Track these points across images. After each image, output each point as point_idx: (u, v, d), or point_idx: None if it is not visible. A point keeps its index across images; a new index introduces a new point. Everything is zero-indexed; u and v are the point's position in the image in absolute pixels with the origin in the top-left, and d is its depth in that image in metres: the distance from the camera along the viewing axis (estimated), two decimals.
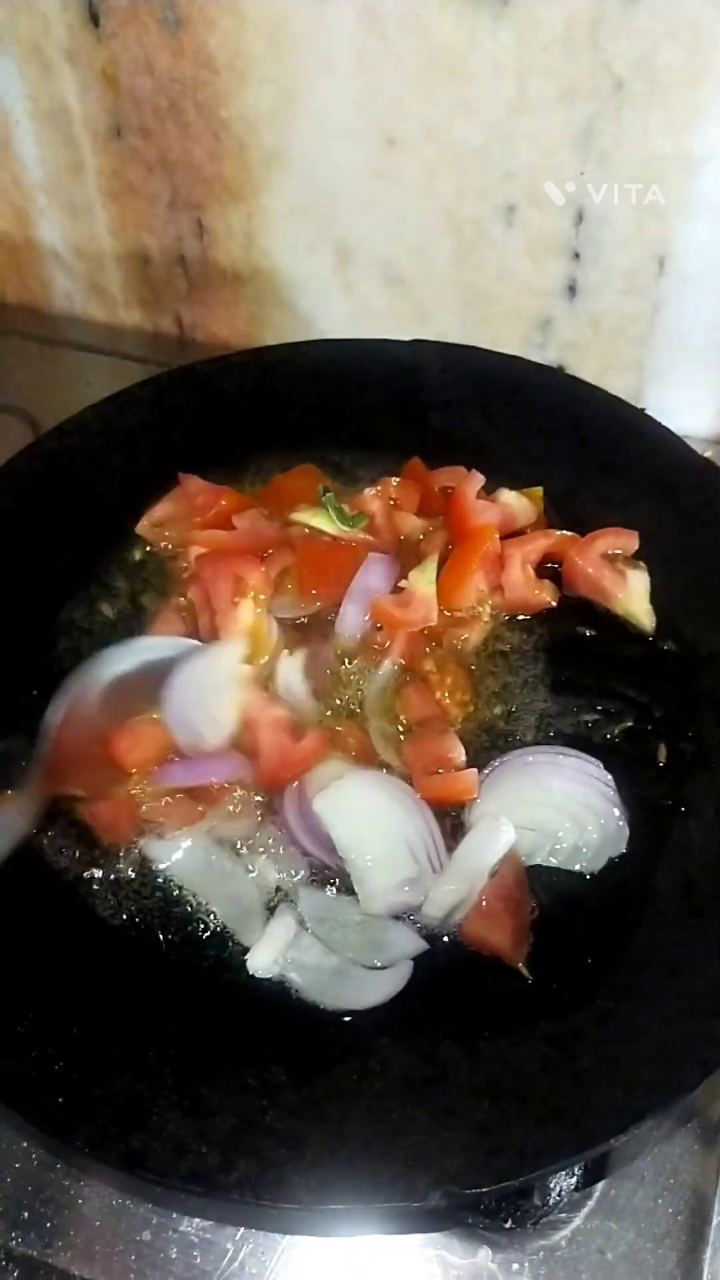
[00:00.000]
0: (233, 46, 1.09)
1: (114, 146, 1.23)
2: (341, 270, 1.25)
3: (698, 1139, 0.79)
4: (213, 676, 0.87)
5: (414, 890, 0.79)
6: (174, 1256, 0.75)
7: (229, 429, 1.10)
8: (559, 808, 0.83)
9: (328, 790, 0.82)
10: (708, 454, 1.22)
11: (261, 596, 0.91)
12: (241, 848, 0.84)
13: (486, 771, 0.85)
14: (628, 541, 0.98)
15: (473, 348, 1.11)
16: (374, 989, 0.77)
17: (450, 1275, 0.74)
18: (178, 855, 0.83)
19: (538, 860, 0.83)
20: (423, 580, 0.93)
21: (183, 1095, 0.71)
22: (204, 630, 0.92)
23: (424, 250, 1.19)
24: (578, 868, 0.82)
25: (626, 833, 0.83)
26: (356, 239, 1.21)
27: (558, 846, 0.83)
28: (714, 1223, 0.76)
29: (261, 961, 0.78)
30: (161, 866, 0.83)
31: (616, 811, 0.83)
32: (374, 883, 0.79)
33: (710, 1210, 0.76)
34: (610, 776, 0.84)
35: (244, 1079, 0.72)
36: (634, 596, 0.96)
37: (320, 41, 1.06)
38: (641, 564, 0.97)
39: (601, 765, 0.85)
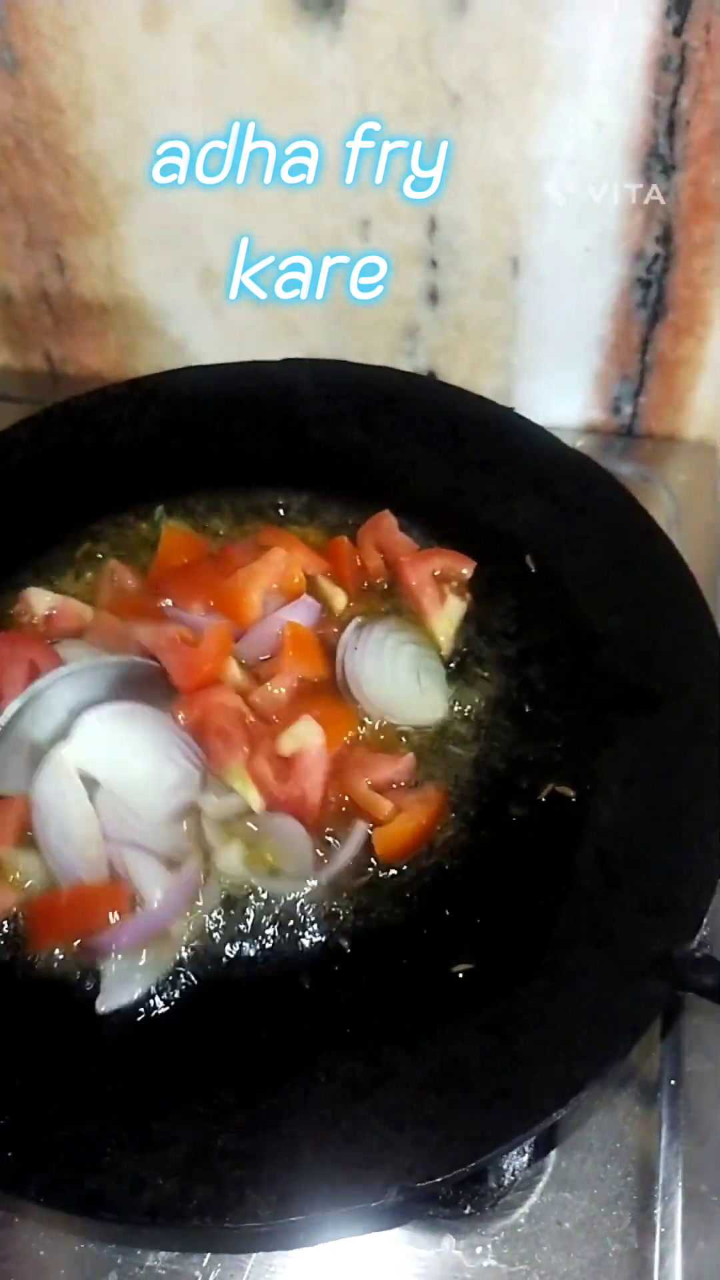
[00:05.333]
0: (74, 83, 1.09)
1: None
2: (207, 293, 1.26)
3: (638, 1101, 0.82)
4: (64, 806, 0.82)
5: (187, 788, 0.84)
6: None
7: (112, 463, 1.10)
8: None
9: (72, 742, 0.83)
10: (580, 442, 1.27)
11: None
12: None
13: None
14: (461, 567, 1.00)
15: (343, 362, 1.13)
16: None
17: (417, 1267, 0.75)
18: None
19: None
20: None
21: (133, 1132, 0.70)
22: None
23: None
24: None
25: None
26: (218, 262, 1.22)
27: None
28: (660, 1178, 0.79)
29: None
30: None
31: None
32: (152, 797, 0.83)
33: (656, 1167, 0.80)
34: None
35: (193, 1107, 0.72)
36: (443, 620, 0.97)
37: (161, 72, 1.07)
38: (468, 595, 0.99)
39: None
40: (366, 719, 0.92)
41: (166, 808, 0.84)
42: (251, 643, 0.94)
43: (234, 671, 0.90)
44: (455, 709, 0.93)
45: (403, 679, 0.93)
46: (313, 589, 0.99)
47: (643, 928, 0.77)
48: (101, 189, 1.18)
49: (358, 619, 0.96)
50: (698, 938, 0.76)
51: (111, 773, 0.84)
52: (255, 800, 0.85)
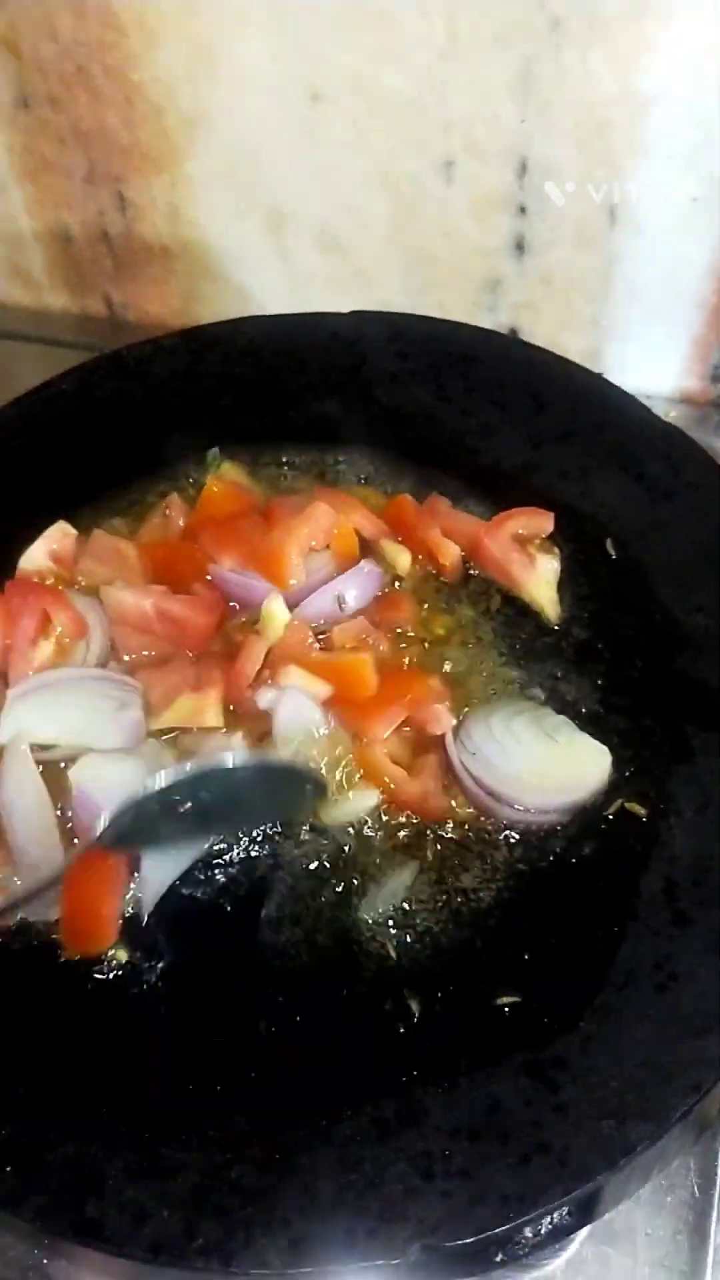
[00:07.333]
0: (138, 3, 1.01)
1: (23, 119, 1.14)
2: (275, 238, 1.17)
3: (695, 1153, 0.75)
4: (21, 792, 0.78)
5: (132, 706, 0.82)
6: None
7: (162, 418, 1.03)
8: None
9: (8, 724, 0.81)
10: (672, 414, 1.17)
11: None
12: None
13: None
14: (542, 523, 0.91)
15: (418, 316, 1.05)
16: None
17: None
18: None
19: None
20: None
21: (140, 1155, 0.66)
22: None
23: (360, 212, 1.12)
24: None
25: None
26: (288, 203, 1.14)
27: None
28: (713, 1242, 0.72)
29: None
30: None
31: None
32: (103, 728, 0.81)
33: (709, 1228, 0.73)
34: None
35: (205, 1131, 0.67)
36: (541, 583, 0.90)
37: None
38: (555, 549, 0.92)
39: None
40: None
41: (122, 731, 0.81)
42: (306, 612, 0.87)
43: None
44: None
45: (535, 747, 0.80)
46: (372, 552, 0.92)
47: (712, 973, 0.70)
48: (166, 120, 1.10)
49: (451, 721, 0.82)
50: None
51: (58, 729, 0.81)
52: None
